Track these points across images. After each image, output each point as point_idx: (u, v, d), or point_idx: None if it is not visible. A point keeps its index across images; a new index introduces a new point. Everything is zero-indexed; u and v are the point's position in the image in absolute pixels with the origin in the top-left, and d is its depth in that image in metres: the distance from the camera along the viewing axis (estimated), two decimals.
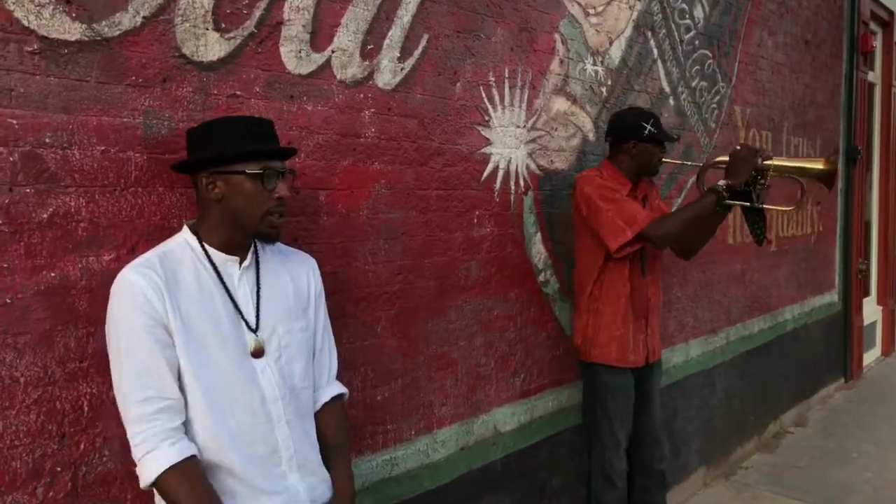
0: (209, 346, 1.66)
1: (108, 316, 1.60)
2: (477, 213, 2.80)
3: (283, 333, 1.78)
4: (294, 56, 2.15)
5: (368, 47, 2.35)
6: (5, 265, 1.61)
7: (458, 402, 2.77)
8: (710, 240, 3.10)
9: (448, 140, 2.66)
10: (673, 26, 3.90)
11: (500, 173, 2.89)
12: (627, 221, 2.82)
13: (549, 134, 3.13)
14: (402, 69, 2.47)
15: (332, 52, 2.25)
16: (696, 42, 4.13)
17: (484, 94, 2.79)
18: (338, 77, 2.28)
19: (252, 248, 1.78)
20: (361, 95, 2.35)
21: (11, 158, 1.61)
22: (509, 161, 2.93)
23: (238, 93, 2.02)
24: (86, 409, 1.75)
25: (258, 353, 1.74)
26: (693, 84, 4.13)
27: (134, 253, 1.81)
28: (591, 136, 3.37)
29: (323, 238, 2.27)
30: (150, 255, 1.65)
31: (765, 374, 5.18)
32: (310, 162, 2.20)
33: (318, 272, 1.93)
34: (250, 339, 1.73)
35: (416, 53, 2.51)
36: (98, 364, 1.75)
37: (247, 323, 1.73)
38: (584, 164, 3.34)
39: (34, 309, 1.66)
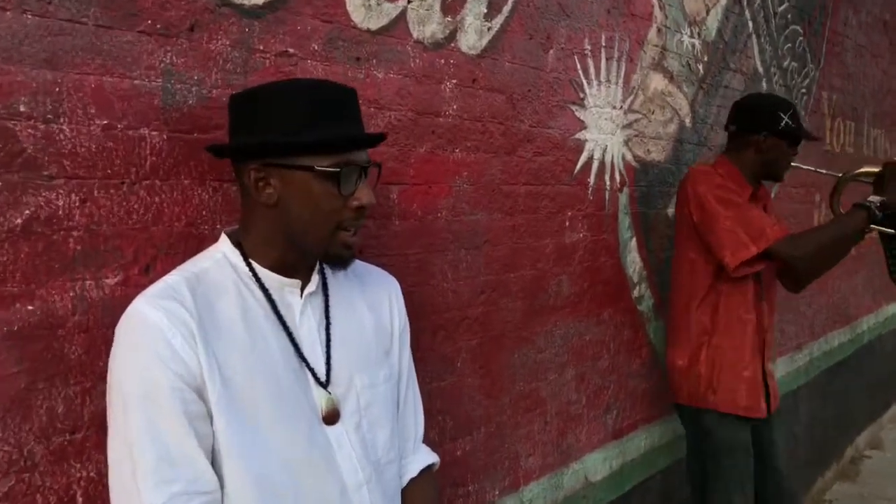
0: (261, 414, 1.12)
1: (113, 369, 1.06)
2: (569, 213, 2.25)
3: (362, 387, 1.25)
4: (362, 4, 1.59)
5: None
6: None
7: (546, 450, 2.23)
8: (833, 268, 2.49)
9: (539, 122, 2.11)
10: None
11: (595, 164, 2.34)
12: (753, 234, 2.23)
13: (646, 117, 2.58)
14: (488, 29, 1.91)
15: (409, 1, 1.70)
16: (789, 16, 3.58)
17: (579, 66, 2.23)
18: (414, 35, 1.72)
19: (317, 268, 1.24)
20: (442, 61, 1.80)
21: None
22: (604, 150, 2.38)
23: (290, 50, 1.47)
24: (80, 501, 1.20)
25: (332, 417, 1.20)
26: (785, 64, 3.58)
27: (150, 274, 1.26)
28: (687, 122, 2.82)
29: (394, 248, 1.72)
30: (176, 279, 1.11)
31: (843, 392, 4.64)
32: (380, 148, 1.64)
33: (401, 299, 1.39)
34: (321, 398, 1.19)
35: (506, 10, 1.96)
36: (98, 435, 1.20)
37: (314, 374, 1.19)
38: (681, 156, 2.79)
39: (2, 359, 1.11)
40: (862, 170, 2.44)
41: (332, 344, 1.23)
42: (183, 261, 1.28)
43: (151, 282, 1.23)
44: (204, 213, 1.35)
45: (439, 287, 1.84)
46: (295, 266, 1.19)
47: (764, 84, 3.39)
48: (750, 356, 2.37)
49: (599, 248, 2.40)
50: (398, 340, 1.36)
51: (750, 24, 3.23)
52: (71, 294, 1.18)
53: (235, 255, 1.17)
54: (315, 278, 1.22)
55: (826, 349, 4.33)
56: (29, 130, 1.11)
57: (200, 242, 1.34)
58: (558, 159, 2.19)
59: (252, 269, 1.17)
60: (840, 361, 4.53)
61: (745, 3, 3.17)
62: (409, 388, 1.39)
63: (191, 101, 1.31)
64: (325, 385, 1.19)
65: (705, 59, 2.91)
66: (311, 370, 1.19)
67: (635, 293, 2.60)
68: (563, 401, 2.28)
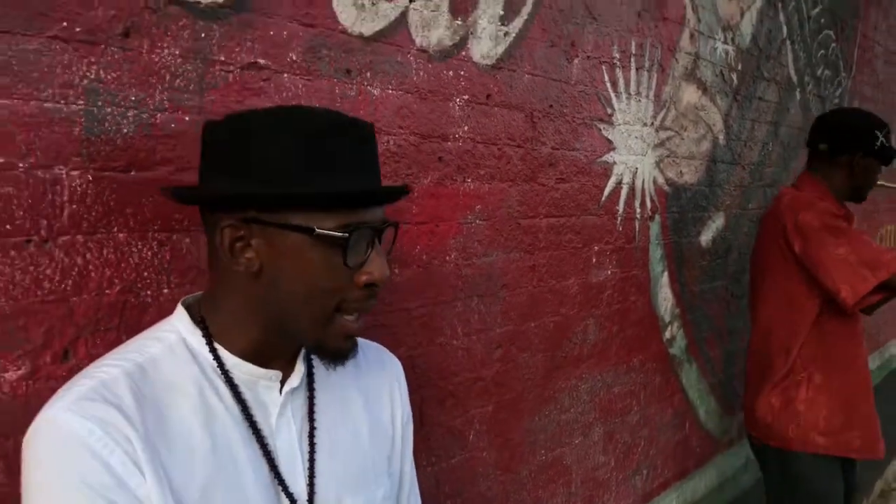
0: None
1: (25, 501, 0.73)
2: (596, 248, 1.94)
3: None
4: (352, 4, 1.28)
5: None
6: None
7: None
8: None
9: (563, 143, 1.79)
10: None
11: (624, 190, 2.03)
12: (869, 263, 1.96)
13: (679, 135, 2.26)
14: (505, 34, 1.60)
15: (411, 0, 1.38)
16: (822, 20, 3.28)
17: (607, 77, 1.92)
18: (417, 42, 1.41)
19: (302, 354, 0.92)
20: (451, 73, 1.48)
21: None
22: (634, 173, 2.06)
23: (261, 61, 1.15)
24: None
25: None
26: (818, 73, 3.28)
27: (68, 361, 0.95)
28: (721, 139, 2.51)
29: (394, 303, 1.40)
30: (111, 372, 0.78)
31: None
32: None
33: (405, 386, 1.07)
34: None
35: (525, 11, 1.65)
36: None
37: (292, 500, 0.87)
38: (715, 177, 2.48)
39: None
40: None
41: (317, 457, 0.91)
42: (116, 340, 0.97)
43: (70, 372, 0.92)
44: (146, 274, 1.03)
45: (448, 346, 1.52)
46: (274, 353, 0.88)
47: (798, 94, 3.09)
48: (864, 392, 2.13)
49: (629, 286, 2.08)
50: (400, 440, 1.04)
51: (784, 28, 2.92)
52: None
53: (196, 338, 0.84)
54: (300, 369, 0.90)
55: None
56: None
57: (142, 313, 1.02)
58: (584, 186, 1.87)
59: (218, 359, 0.84)
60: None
61: (779, 6, 2.86)
62: (411, 499, 1.08)
63: (126, 130, 0.99)
64: None
65: (739, 67, 2.60)
66: (289, 495, 0.87)
67: (667, 334, 2.29)
68: (589, 466, 1.96)
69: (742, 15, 2.61)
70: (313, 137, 0.80)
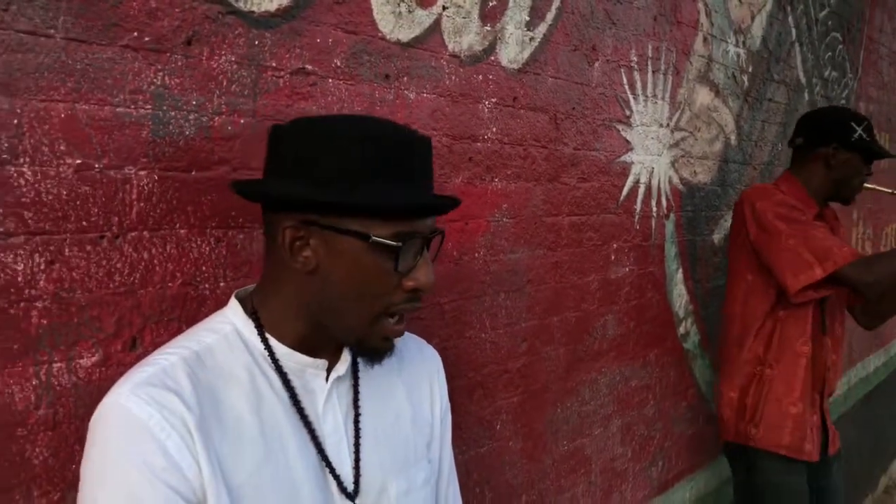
0: None
1: (86, 480, 0.79)
2: (615, 245, 2.00)
3: (397, 496, 0.98)
4: (391, 12, 1.34)
5: (490, 4, 1.55)
6: None
7: None
8: None
9: (584, 144, 1.85)
10: (810, 1, 3.11)
11: (641, 189, 2.09)
12: (818, 254, 1.93)
13: (693, 135, 2.33)
14: (530, 39, 1.66)
15: (444, 8, 1.44)
16: (829, 23, 3.34)
17: (625, 79, 1.98)
18: (450, 48, 1.47)
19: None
20: (480, 77, 1.55)
21: None
22: (651, 172, 2.12)
23: (308, 67, 1.21)
24: None
25: None
26: (826, 74, 3.34)
27: (136, 349, 1.01)
28: (732, 139, 2.58)
29: (428, 298, 1.46)
30: (170, 360, 0.84)
31: (878, 419, 4.39)
32: None
33: (444, 377, 1.12)
34: None
35: (549, 17, 1.71)
36: None
37: (339, 482, 0.92)
38: (727, 177, 2.54)
39: None
40: None
41: (362, 442, 0.96)
42: (177, 330, 1.03)
43: (138, 359, 0.97)
44: (204, 268, 1.09)
45: (476, 339, 1.59)
46: (321, 344, 0.93)
47: (806, 95, 3.15)
48: (800, 392, 2.10)
49: (646, 283, 2.15)
50: (440, 429, 1.10)
51: (793, 31, 2.98)
52: (34, 382, 0.92)
53: (249, 329, 0.90)
54: (345, 358, 0.96)
55: (863, 375, 4.08)
56: None
57: (200, 305, 1.08)
58: (603, 185, 1.94)
59: (269, 348, 0.91)
60: (876, 387, 4.29)
61: (788, 10, 2.92)
62: (450, 484, 1.13)
63: (188, 132, 1.06)
64: (352, 496, 0.93)
65: (750, 69, 2.66)
66: (336, 477, 0.93)
67: (681, 330, 2.35)
68: (607, 457, 2.03)
69: (752, 18, 2.67)
70: (379, 150, 0.84)
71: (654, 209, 2.15)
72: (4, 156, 0.88)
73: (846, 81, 3.59)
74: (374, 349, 0.91)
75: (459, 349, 1.54)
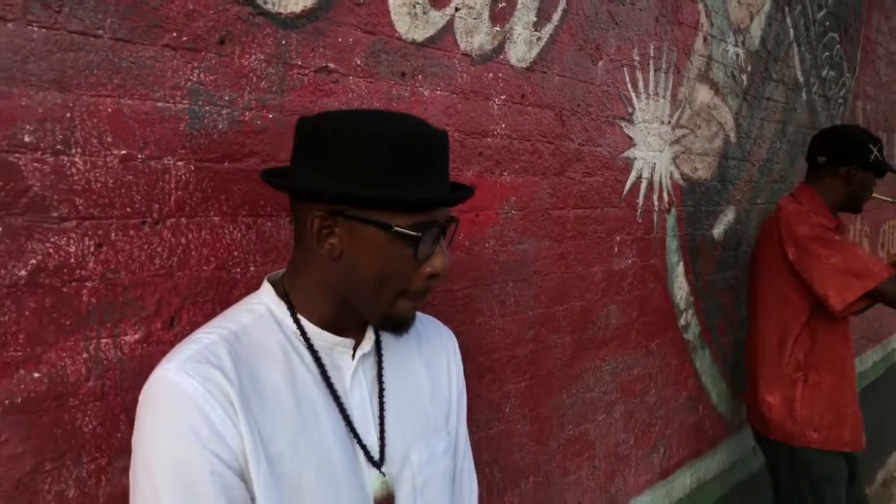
0: (310, 501, 0.93)
1: (140, 448, 0.86)
2: (618, 238, 2.07)
3: (419, 464, 1.06)
4: (407, 13, 1.42)
5: (500, 5, 1.62)
6: None
7: (594, 496, 2.04)
8: None
9: (588, 140, 1.93)
10: (808, 1, 3.18)
11: (644, 184, 2.16)
12: (858, 274, 2.14)
13: (693, 133, 2.40)
14: (538, 39, 1.74)
15: (456, 9, 1.52)
16: (827, 23, 3.41)
17: (628, 78, 2.06)
18: (462, 47, 1.55)
19: (370, 324, 1.05)
20: (490, 75, 1.62)
21: None
22: (653, 168, 2.20)
23: (330, 65, 1.29)
24: None
25: (386, 502, 1.00)
26: (823, 74, 3.41)
27: (174, 328, 1.08)
28: (732, 137, 2.65)
29: (440, 284, 1.53)
30: (212, 338, 0.92)
31: (875, 413, 4.45)
32: None
33: (459, 357, 1.20)
34: (373, 480, 1.00)
35: (555, 18, 1.78)
36: None
37: (366, 451, 1.00)
38: (727, 173, 2.62)
39: (4, 438, 0.92)
40: None
41: (386, 414, 1.04)
42: (212, 310, 1.11)
43: (176, 337, 1.06)
44: (236, 253, 1.17)
45: (487, 325, 1.66)
46: (348, 323, 1.01)
47: (804, 94, 3.22)
48: (852, 393, 2.33)
49: (648, 275, 2.22)
50: (456, 404, 1.17)
51: (791, 31, 3.06)
52: (84, 356, 1.00)
53: (281, 310, 0.98)
54: (370, 337, 1.04)
55: (860, 370, 4.14)
56: (35, 164, 0.93)
57: (232, 288, 1.16)
58: (607, 180, 2.01)
59: (300, 328, 0.98)
60: (873, 382, 4.36)
61: (786, 10, 3.00)
62: (465, 458, 1.21)
63: (221, 126, 1.13)
64: (378, 465, 1.01)
65: (749, 68, 2.73)
66: (363, 447, 1.00)
67: (682, 321, 2.42)
68: (611, 442, 2.10)
69: (751, 19, 2.74)
70: (402, 148, 0.91)
71: (656, 203, 2.23)
72: (59, 147, 0.95)
73: (844, 80, 3.66)
74: (397, 322, 0.98)
75: (470, 334, 1.62)
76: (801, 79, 3.18)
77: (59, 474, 0.98)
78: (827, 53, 3.43)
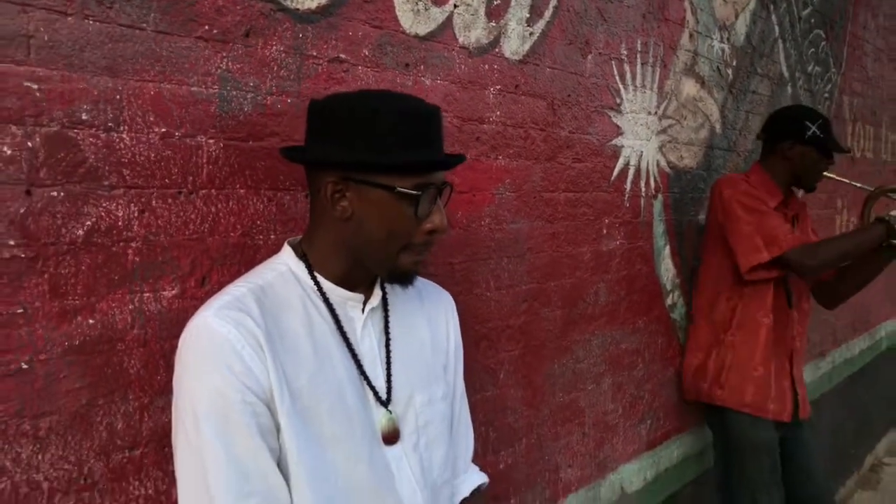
0: (326, 431, 1.08)
1: (181, 383, 1.01)
2: (606, 221, 2.22)
3: (421, 406, 1.21)
4: (410, 10, 1.57)
5: (495, 3, 1.77)
6: (20, 310, 1.03)
7: (584, 461, 2.19)
8: (865, 286, 2.51)
9: (578, 128, 2.08)
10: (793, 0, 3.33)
11: (631, 171, 2.31)
12: (767, 240, 2.27)
13: (679, 123, 2.55)
14: (530, 34, 1.89)
15: (455, 6, 1.67)
16: (812, 20, 3.56)
17: (616, 71, 2.21)
18: (460, 41, 1.69)
19: (378, 282, 1.20)
20: (486, 66, 1.77)
21: (30, 144, 1.03)
22: (640, 156, 2.35)
23: (342, 56, 1.44)
24: None
25: (392, 437, 1.16)
26: (809, 69, 3.56)
27: (205, 286, 1.23)
28: (718, 128, 2.80)
29: (440, 257, 1.69)
30: (242, 290, 1.07)
31: (863, 399, 4.60)
32: None
33: (456, 316, 1.35)
34: (381, 418, 1.15)
35: (547, 14, 1.93)
36: (156, 452, 1.18)
37: (375, 392, 1.15)
38: (712, 162, 2.76)
39: (64, 375, 1.08)
40: (894, 185, 2.54)
41: (393, 361, 1.19)
42: (238, 272, 1.26)
43: (207, 294, 1.20)
44: (259, 222, 1.32)
45: (483, 296, 1.81)
46: (358, 280, 1.16)
47: (789, 89, 3.37)
48: (762, 357, 2.40)
49: (635, 256, 2.37)
50: (453, 357, 1.32)
51: (776, 28, 3.20)
52: (130, 307, 1.15)
53: (300, 268, 1.13)
54: (377, 293, 1.19)
55: (848, 356, 4.29)
56: (90, 139, 1.08)
57: (255, 253, 1.31)
58: (596, 166, 2.16)
59: (317, 283, 1.13)
60: (860, 369, 4.50)
61: (771, 8, 3.14)
62: (462, 407, 1.36)
63: (246, 109, 1.28)
64: (385, 404, 1.15)
65: (734, 63, 2.88)
66: (373, 388, 1.15)
67: (668, 301, 2.57)
68: (600, 411, 2.25)
69: (737, 16, 2.89)
70: (401, 120, 1.06)
71: (643, 189, 2.37)
72: (110, 124, 1.10)
73: (829, 76, 3.80)
74: (402, 274, 1.13)
75: (468, 304, 1.76)
76: (786, 74, 3.33)
77: (109, 409, 1.13)
78: (812, 50, 3.58)
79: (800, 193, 2.63)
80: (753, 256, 2.28)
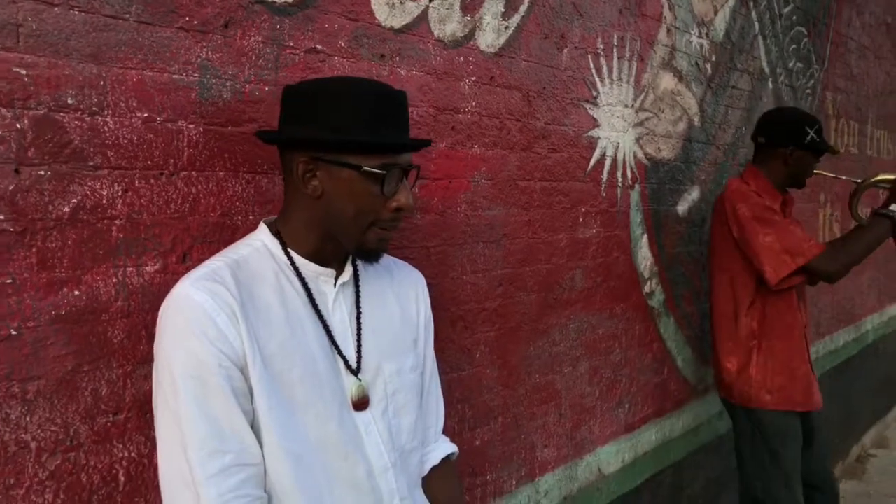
0: (297, 395, 1.16)
1: (160, 349, 1.09)
2: (582, 209, 2.30)
3: (389, 375, 1.28)
4: (385, 3, 1.64)
5: None
6: (9, 280, 1.10)
7: (561, 441, 2.26)
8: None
9: (554, 119, 2.15)
10: None
11: (608, 162, 2.39)
12: (791, 251, 2.38)
13: (657, 116, 2.62)
14: (505, 28, 1.96)
15: (430, 0, 1.74)
16: (794, 17, 3.63)
17: (592, 65, 2.28)
18: (435, 34, 1.77)
19: (350, 259, 1.28)
20: (461, 59, 1.85)
21: (19, 125, 1.10)
22: (617, 147, 2.42)
23: (318, 47, 1.51)
24: (122, 480, 1.24)
25: (362, 403, 1.23)
26: (790, 65, 3.63)
27: (186, 262, 1.31)
28: (696, 121, 2.87)
29: (416, 241, 1.76)
30: (218, 264, 1.14)
31: (848, 392, 4.67)
32: None
33: (427, 293, 1.43)
34: (351, 385, 1.22)
35: (522, 9, 2.01)
36: (139, 418, 1.25)
37: (346, 361, 1.22)
38: (690, 154, 2.84)
39: (51, 342, 1.15)
40: (880, 177, 2.62)
41: (363, 333, 1.26)
42: (218, 250, 1.32)
43: (187, 270, 1.27)
44: (237, 203, 1.39)
45: (458, 279, 1.89)
46: (330, 256, 1.23)
47: (770, 84, 3.44)
48: (800, 356, 2.52)
49: (612, 244, 2.44)
50: (423, 332, 1.40)
51: (756, 24, 3.27)
52: (114, 280, 1.22)
53: (274, 244, 1.21)
54: (348, 269, 1.26)
55: (831, 348, 4.36)
56: (76, 122, 1.16)
57: (234, 232, 1.38)
58: (572, 156, 2.23)
59: (290, 258, 1.20)
60: (845, 360, 4.56)
61: (751, 5, 3.21)
62: (432, 379, 1.43)
63: (225, 96, 1.36)
64: (355, 372, 1.23)
65: (713, 59, 2.95)
66: (343, 357, 1.22)
67: (646, 289, 2.64)
68: (577, 393, 2.32)
69: (716, 13, 2.96)
70: (366, 102, 1.15)
71: (620, 180, 2.45)
72: (95, 108, 1.18)
73: (812, 72, 3.88)
74: (370, 251, 1.21)
75: (443, 287, 1.84)
76: (766, 69, 3.40)
77: (94, 375, 1.20)
78: (794, 46, 3.65)
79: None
80: (783, 269, 2.37)
